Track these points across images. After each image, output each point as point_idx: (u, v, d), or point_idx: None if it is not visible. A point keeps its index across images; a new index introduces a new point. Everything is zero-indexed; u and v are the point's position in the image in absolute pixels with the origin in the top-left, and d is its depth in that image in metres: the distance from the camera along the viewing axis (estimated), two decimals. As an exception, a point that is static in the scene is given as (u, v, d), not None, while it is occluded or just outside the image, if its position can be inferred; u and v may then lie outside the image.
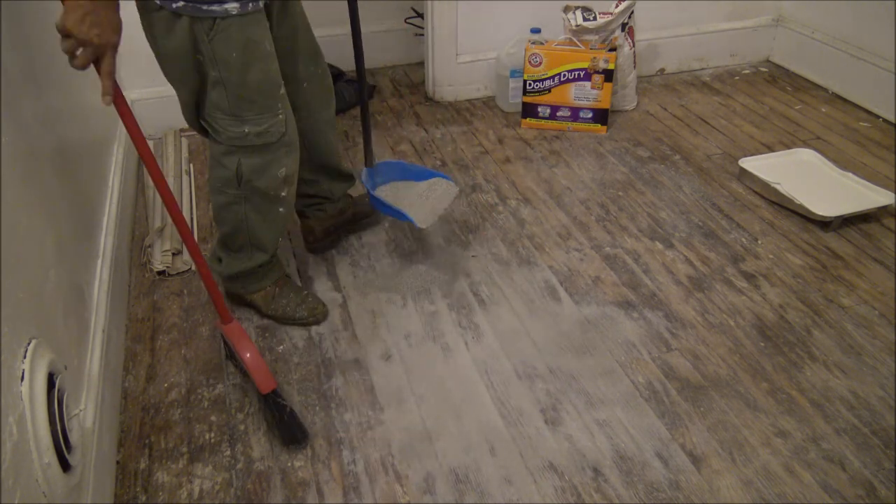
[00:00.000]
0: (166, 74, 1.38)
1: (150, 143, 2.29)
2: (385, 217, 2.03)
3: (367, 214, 1.96)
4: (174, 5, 1.23)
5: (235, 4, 1.25)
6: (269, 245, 1.60)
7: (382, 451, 1.38)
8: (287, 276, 1.71)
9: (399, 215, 1.70)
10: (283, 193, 1.51)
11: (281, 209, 1.54)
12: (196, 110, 1.43)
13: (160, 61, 1.36)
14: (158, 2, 1.23)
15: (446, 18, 2.53)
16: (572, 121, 2.46)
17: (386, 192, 1.79)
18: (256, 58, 1.32)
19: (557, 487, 1.31)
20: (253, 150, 1.42)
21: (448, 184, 1.80)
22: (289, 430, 1.39)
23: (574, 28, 2.33)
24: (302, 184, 1.69)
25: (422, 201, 1.77)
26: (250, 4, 1.27)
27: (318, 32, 1.59)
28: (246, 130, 1.39)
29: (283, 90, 1.41)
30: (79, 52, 1.13)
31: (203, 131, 1.48)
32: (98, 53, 1.15)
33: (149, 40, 1.33)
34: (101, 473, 1.25)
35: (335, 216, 1.86)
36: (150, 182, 2.14)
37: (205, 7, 1.23)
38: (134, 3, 1.26)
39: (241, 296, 1.68)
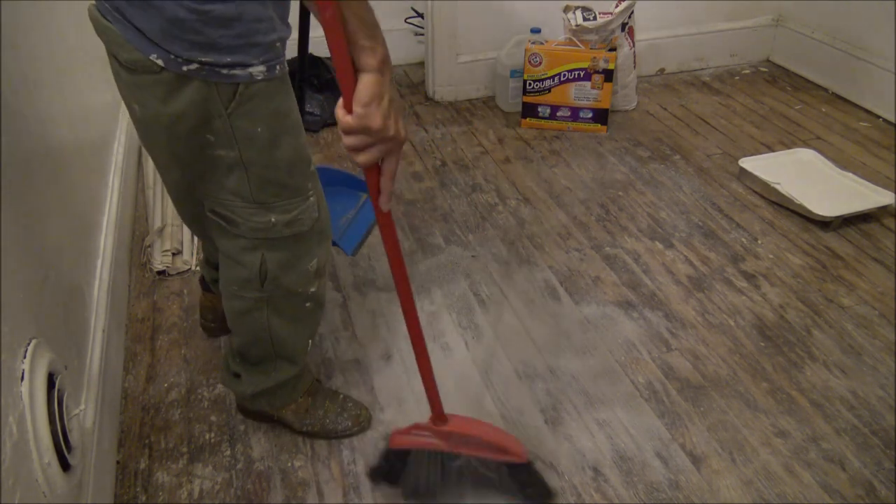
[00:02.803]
0: (151, 149, 1.09)
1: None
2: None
3: None
4: (185, 68, 0.92)
5: (262, 68, 0.96)
6: (299, 354, 1.33)
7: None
8: (318, 381, 1.46)
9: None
10: (313, 289, 1.24)
11: (308, 305, 1.26)
12: (192, 197, 1.14)
13: (145, 132, 1.05)
14: (160, 62, 0.92)
15: (446, 18, 2.53)
16: (572, 121, 2.46)
17: None
18: (286, 131, 1.05)
19: (557, 487, 1.31)
20: (281, 243, 1.14)
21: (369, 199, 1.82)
22: (546, 490, 1.28)
23: (574, 28, 2.33)
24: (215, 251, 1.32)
25: (346, 217, 1.71)
26: (277, 68, 0.99)
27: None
28: (273, 220, 1.11)
29: (313, 167, 1.14)
30: (370, 148, 0.91)
31: (198, 226, 1.23)
32: (393, 150, 0.93)
33: (131, 105, 1.01)
34: (101, 473, 1.25)
35: None
36: (150, 182, 2.14)
37: (225, 71, 0.94)
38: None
39: (265, 413, 1.42)
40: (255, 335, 1.27)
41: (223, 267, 1.22)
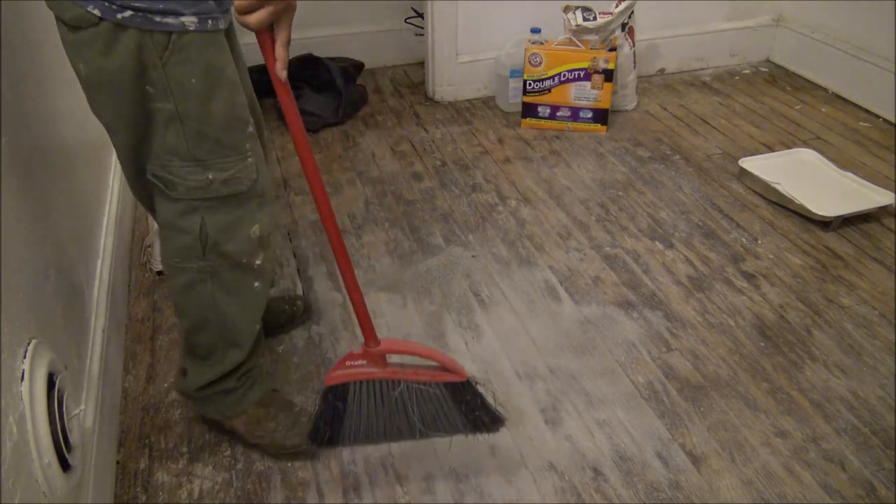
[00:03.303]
0: (99, 110, 1.09)
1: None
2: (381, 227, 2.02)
3: (284, 321, 1.65)
4: (119, 15, 0.96)
5: (193, 19, 1.00)
6: (246, 335, 1.28)
7: (382, 451, 1.38)
8: (275, 391, 1.41)
9: None
10: (258, 261, 1.22)
11: (256, 284, 1.24)
12: (138, 162, 1.13)
13: (91, 92, 1.07)
14: (97, 12, 0.95)
15: (446, 18, 2.53)
16: (572, 121, 2.46)
17: None
18: (220, 85, 1.07)
19: (557, 487, 1.31)
20: (219, 204, 1.13)
21: None
22: (492, 413, 1.24)
23: (574, 28, 2.33)
24: None
25: None
26: (209, 22, 1.02)
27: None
28: (210, 177, 1.10)
29: (251, 128, 1.14)
30: (260, 8, 0.95)
31: (146, 197, 1.21)
32: (279, 12, 0.97)
33: (77, 66, 1.04)
34: (101, 473, 1.25)
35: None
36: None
37: (158, 19, 0.97)
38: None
39: (218, 422, 1.38)
40: (201, 315, 1.24)
41: (164, 240, 1.20)
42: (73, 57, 1.04)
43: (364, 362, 1.19)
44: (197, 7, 1.00)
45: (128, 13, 0.96)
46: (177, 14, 0.98)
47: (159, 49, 1.00)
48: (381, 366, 1.19)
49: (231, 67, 1.09)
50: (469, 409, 1.22)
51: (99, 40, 0.98)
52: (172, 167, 1.10)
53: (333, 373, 1.19)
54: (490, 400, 1.23)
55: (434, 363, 1.19)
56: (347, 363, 1.19)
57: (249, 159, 1.14)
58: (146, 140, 1.09)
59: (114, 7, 0.95)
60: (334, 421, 1.23)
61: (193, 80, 1.04)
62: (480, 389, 1.22)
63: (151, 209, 1.24)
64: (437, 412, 1.22)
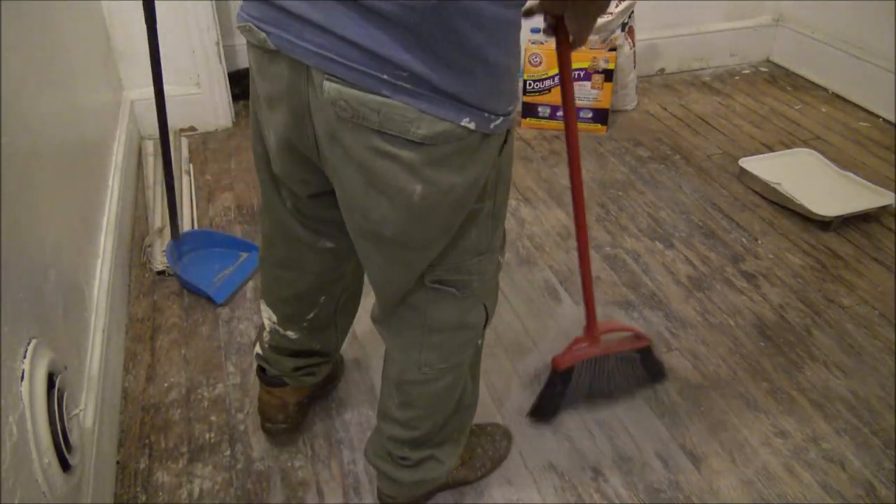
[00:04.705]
0: (418, 232, 0.88)
1: (150, 143, 2.29)
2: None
3: (334, 377, 1.49)
4: (492, 124, 0.80)
5: (518, 108, 0.97)
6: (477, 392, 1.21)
7: (382, 451, 1.38)
8: None
9: (199, 291, 1.74)
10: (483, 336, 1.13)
11: (480, 342, 1.14)
12: (409, 276, 0.97)
13: (421, 213, 0.84)
14: (472, 125, 0.78)
15: (446, 18, 2.53)
16: (572, 121, 2.46)
17: (187, 263, 1.83)
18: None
19: (557, 487, 1.31)
20: (496, 287, 1.06)
21: (250, 256, 1.84)
22: (661, 366, 1.51)
23: (574, 28, 2.33)
24: (308, 334, 1.25)
25: (223, 274, 1.80)
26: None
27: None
28: (501, 260, 1.04)
29: None
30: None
31: (393, 324, 1.09)
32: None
33: (410, 188, 0.81)
34: (101, 473, 1.25)
35: (317, 384, 1.40)
36: (149, 182, 2.13)
37: (509, 119, 0.84)
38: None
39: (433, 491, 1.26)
40: (447, 412, 1.12)
41: (435, 346, 1.05)
42: (403, 179, 0.81)
43: (587, 344, 1.39)
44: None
45: (499, 120, 0.81)
46: (513, 111, 0.85)
47: (500, 147, 0.88)
48: (598, 344, 1.39)
49: None
50: (650, 367, 1.47)
51: (459, 156, 0.80)
52: (469, 265, 0.97)
53: (562, 358, 1.37)
54: (661, 358, 1.52)
55: (628, 332, 1.45)
56: (574, 347, 1.38)
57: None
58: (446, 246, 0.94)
59: (491, 117, 0.79)
60: (557, 399, 1.41)
61: (510, 172, 0.95)
62: (654, 349, 1.47)
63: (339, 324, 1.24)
64: (631, 372, 1.46)
